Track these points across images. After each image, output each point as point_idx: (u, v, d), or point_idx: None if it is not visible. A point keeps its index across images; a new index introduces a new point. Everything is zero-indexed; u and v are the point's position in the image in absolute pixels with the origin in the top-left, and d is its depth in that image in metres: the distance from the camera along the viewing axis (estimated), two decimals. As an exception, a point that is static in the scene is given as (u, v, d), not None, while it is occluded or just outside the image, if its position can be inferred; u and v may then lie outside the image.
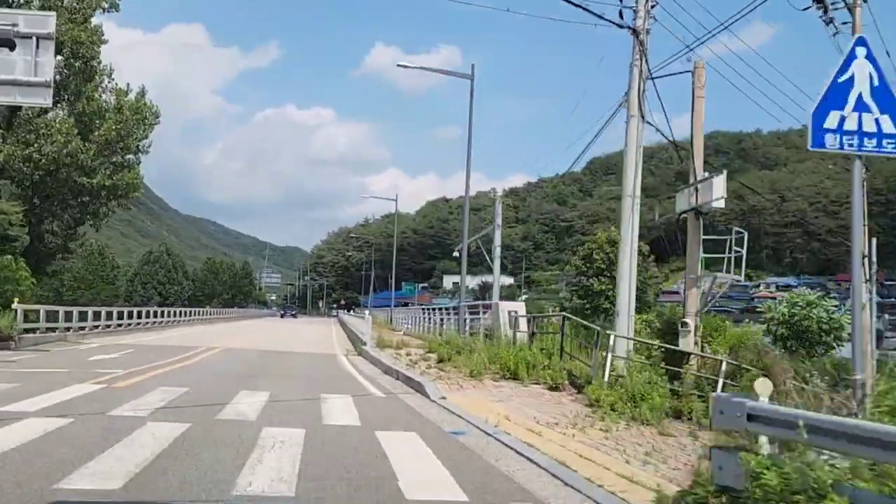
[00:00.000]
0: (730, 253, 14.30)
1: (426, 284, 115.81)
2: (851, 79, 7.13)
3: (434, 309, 31.63)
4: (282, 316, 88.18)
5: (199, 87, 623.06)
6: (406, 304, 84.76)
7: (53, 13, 11.97)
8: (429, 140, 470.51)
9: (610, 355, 12.00)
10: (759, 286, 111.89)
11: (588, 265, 50.78)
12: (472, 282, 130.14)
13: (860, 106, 7.06)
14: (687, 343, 13.71)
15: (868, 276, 15.47)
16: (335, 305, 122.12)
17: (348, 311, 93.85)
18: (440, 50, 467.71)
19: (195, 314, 47.38)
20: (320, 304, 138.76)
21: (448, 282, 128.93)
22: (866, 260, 14.69)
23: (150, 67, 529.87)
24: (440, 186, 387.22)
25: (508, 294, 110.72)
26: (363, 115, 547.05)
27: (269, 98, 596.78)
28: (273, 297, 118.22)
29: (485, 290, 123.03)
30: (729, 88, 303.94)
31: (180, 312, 42.11)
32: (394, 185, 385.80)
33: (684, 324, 13.92)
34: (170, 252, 73.44)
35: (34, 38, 10.90)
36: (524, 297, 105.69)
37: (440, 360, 16.05)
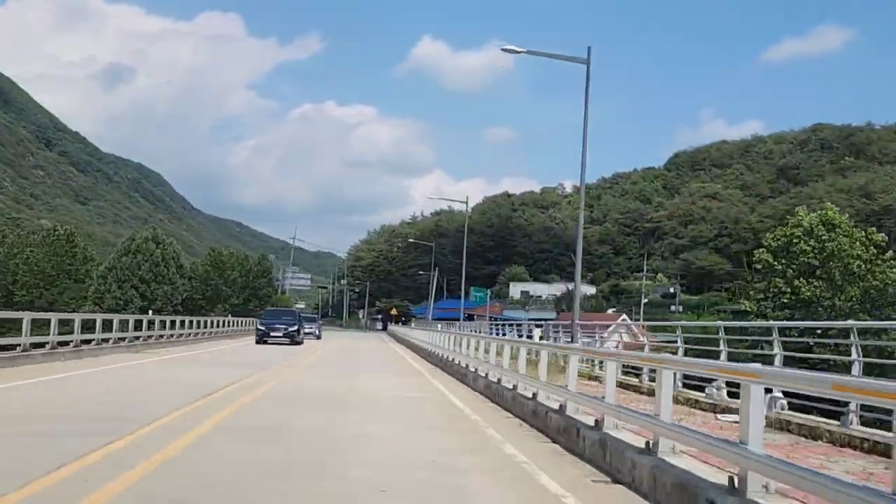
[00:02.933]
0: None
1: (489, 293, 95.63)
2: None
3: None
4: (259, 340, 34.41)
5: (232, 81, 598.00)
6: (471, 317, 63.64)
7: None
8: (477, 141, 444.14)
9: None
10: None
11: (786, 261, 31.37)
12: (547, 290, 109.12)
13: None
14: None
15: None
16: (379, 316, 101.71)
17: (400, 323, 74.05)
18: (491, 46, 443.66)
19: (127, 327, 23.78)
20: (361, 315, 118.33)
21: (515, 290, 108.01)
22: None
23: (180, 58, 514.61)
24: (487, 192, 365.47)
25: (595, 306, 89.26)
26: (406, 113, 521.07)
27: (307, 93, 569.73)
28: (301, 305, 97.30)
29: (567, 299, 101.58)
30: (835, 77, 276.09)
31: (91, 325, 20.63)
32: (437, 189, 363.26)
33: None
34: (158, 240, 53.64)
35: None
36: (613, 310, 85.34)
37: None
